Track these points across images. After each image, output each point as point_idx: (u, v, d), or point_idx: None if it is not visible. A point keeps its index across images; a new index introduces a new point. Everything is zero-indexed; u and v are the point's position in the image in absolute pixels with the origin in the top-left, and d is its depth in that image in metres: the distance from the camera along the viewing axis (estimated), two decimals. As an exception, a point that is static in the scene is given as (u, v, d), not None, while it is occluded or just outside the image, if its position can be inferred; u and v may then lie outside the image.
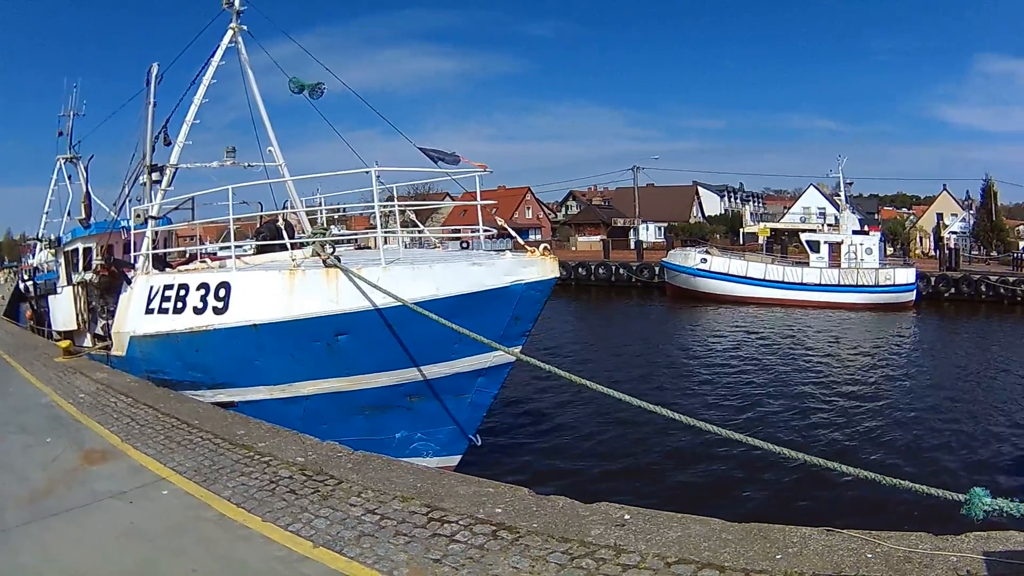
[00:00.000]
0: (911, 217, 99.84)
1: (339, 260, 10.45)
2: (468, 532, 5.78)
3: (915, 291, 43.41)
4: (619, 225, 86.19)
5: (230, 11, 14.38)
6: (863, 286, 42.09)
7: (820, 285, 42.27)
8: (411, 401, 11.05)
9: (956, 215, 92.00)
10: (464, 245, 16.50)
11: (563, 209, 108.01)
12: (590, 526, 5.84)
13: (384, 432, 11.08)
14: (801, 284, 42.32)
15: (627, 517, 6.04)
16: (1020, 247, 76.03)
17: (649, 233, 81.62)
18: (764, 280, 42.55)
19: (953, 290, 47.04)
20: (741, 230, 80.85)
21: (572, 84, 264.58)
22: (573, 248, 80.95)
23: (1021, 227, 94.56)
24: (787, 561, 5.89)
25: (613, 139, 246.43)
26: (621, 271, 55.57)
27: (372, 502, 6.35)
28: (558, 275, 10.67)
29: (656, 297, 48.31)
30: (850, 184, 51.24)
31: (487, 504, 6.18)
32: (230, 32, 14.49)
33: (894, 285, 42.55)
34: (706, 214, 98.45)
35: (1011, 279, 48.88)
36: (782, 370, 24.16)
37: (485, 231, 11.97)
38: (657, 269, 50.68)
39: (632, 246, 69.39)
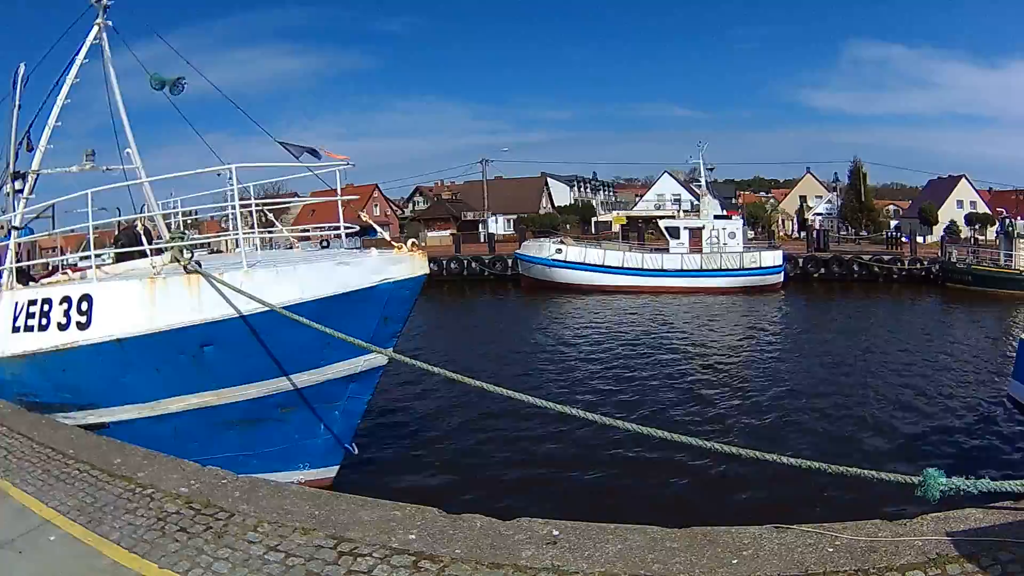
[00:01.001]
0: (771, 201, 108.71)
1: (200, 265, 10.30)
2: (386, 565, 5.54)
3: (783, 273, 46.68)
4: (469, 219, 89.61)
5: (97, 6, 14.33)
6: (728, 270, 45.19)
7: (682, 271, 45.25)
8: (283, 412, 10.94)
9: (821, 197, 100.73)
10: (323, 244, 16.75)
11: (410, 205, 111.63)
12: (518, 547, 5.64)
13: (258, 447, 10.96)
14: (661, 271, 45.19)
15: (556, 533, 5.88)
16: (891, 226, 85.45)
17: (499, 226, 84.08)
18: (622, 268, 45.06)
19: (823, 270, 51.23)
20: (593, 219, 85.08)
21: (421, 79, 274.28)
22: (423, 244, 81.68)
23: (890, 207, 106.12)
24: (746, 565, 5.62)
25: (461, 133, 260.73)
26: (473, 265, 56.91)
27: (272, 536, 6.13)
28: (427, 271, 10.80)
29: (511, 290, 50.11)
30: (711, 169, 54.53)
31: (397, 530, 6.01)
32: (95, 28, 14.39)
33: (761, 268, 45.69)
34: (556, 205, 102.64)
35: (886, 258, 53.83)
36: (666, 358, 24.94)
37: (347, 229, 11.94)
38: (510, 261, 52.74)
39: (482, 239, 71.41)
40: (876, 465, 9.57)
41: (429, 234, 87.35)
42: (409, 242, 10.86)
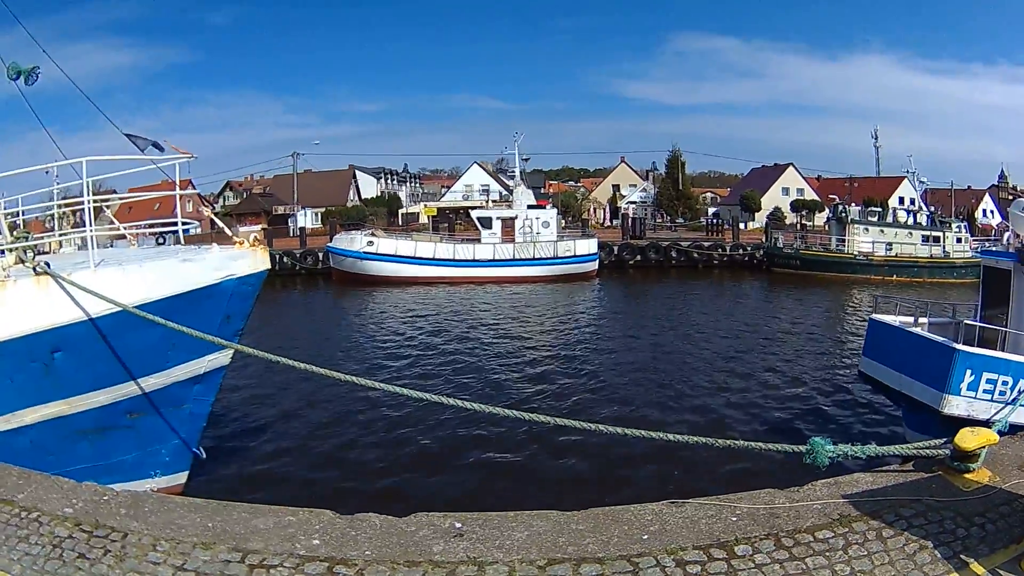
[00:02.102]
0: (581, 189, 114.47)
1: (48, 266, 10.29)
2: (302, 575, 5.61)
3: (597, 261, 50.32)
4: (279, 213, 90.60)
5: None
6: (542, 259, 48.11)
7: (495, 261, 47.98)
8: (132, 419, 11.10)
9: (635, 185, 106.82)
10: (160, 241, 17.24)
11: (220, 200, 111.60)
12: (426, 542, 5.80)
13: (110, 456, 11.03)
14: (474, 261, 47.82)
15: (459, 525, 6.11)
16: (708, 213, 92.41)
17: (308, 219, 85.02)
18: (434, 259, 47.35)
19: (639, 257, 54.99)
20: (400, 211, 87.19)
21: (237, 73, 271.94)
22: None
23: (707, 194, 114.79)
24: (657, 540, 5.99)
25: (272, 127, 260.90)
26: (285, 259, 56.25)
27: (174, 555, 6.06)
28: (269, 266, 11.23)
29: (322, 284, 50.99)
30: (526, 160, 58.02)
31: (298, 536, 6.06)
32: None
33: (575, 256, 49.00)
34: (363, 197, 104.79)
35: (706, 244, 58.45)
36: (502, 346, 26.27)
37: (185, 224, 12.10)
38: (321, 255, 53.36)
39: (292, 233, 72.40)
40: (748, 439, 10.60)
41: (240, 229, 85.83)
42: (251, 236, 11.25)
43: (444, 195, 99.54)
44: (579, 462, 14.01)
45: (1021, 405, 12.15)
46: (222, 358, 11.06)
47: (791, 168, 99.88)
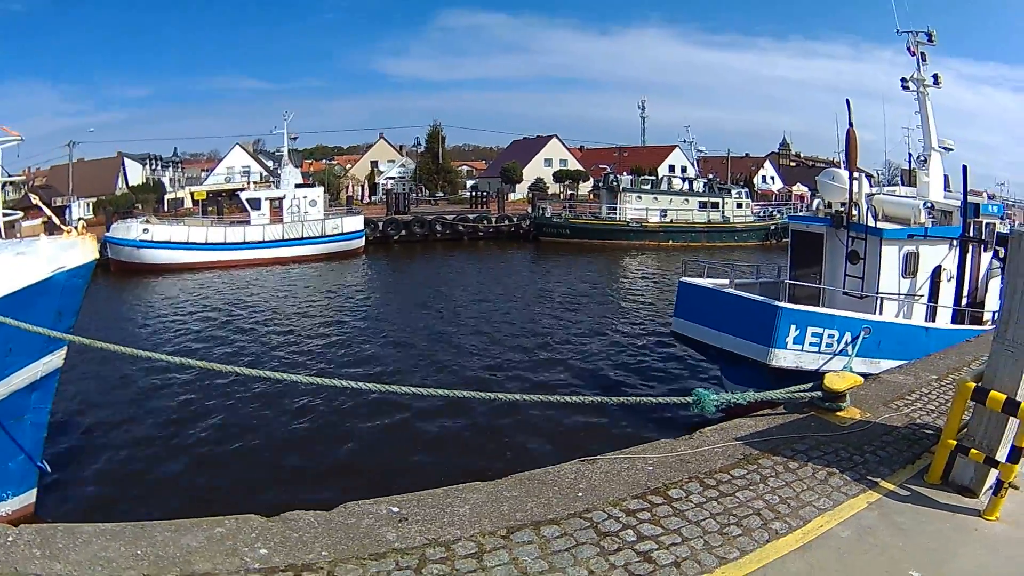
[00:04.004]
0: (336, 167, 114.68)
1: None
2: None
3: (363, 238, 52.98)
4: (58, 205, 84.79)
5: None
6: (311, 238, 49.78)
7: (265, 242, 48.89)
8: None
9: (393, 161, 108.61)
10: None
11: None
12: (378, 532, 5.90)
13: None
14: (245, 243, 48.50)
15: (395, 510, 6.23)
16: (467, 186, 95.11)
17: (82, 210, 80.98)
18: (207, 244, 47.67)
19: (404, 232, 57.46)
20: (165, 197, 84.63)
21: (20, 62, 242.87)
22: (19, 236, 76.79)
23: (463, 167, 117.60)
24: (595, 495, 6.44)
25: (51, 116, 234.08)
26: None
27: None
28: (97, 256, 11.13)
29: (100, 275, 47.69)
30: (295, 138, 58.64)
31: (241, 548, 5.85)
32: None
33: (343, 234, 51.29)
34: (131, 184, 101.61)
35: (471, 216, 61.06)
36: (304, 324, 27.62)
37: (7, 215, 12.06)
38: (99, 246, 50.18)
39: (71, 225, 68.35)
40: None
41: (25, 224, 79.89)
42: (79, 224, 10.99)
43: (207, 179, 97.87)
44: (440, 432, 15.31)
45: (847, 355, 14.09)
46: (56, 360, 10.79)
47: (555, 139, 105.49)
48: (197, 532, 6.04)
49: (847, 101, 16.30)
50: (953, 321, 16.57)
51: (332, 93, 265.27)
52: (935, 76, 18.32)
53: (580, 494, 6.59)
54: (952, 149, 18.98)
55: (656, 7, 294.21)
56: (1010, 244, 6.73)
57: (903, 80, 18.65)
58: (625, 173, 65.49)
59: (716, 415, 10.97)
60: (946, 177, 18.98)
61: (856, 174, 16.14)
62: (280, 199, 50.68)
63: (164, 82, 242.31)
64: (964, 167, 17.41)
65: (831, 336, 14.36)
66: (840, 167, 19.45)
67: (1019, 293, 6.37)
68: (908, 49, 18.43)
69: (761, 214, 66.09)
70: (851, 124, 15.95)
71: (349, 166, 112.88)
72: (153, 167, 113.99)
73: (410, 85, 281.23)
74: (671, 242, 55.85)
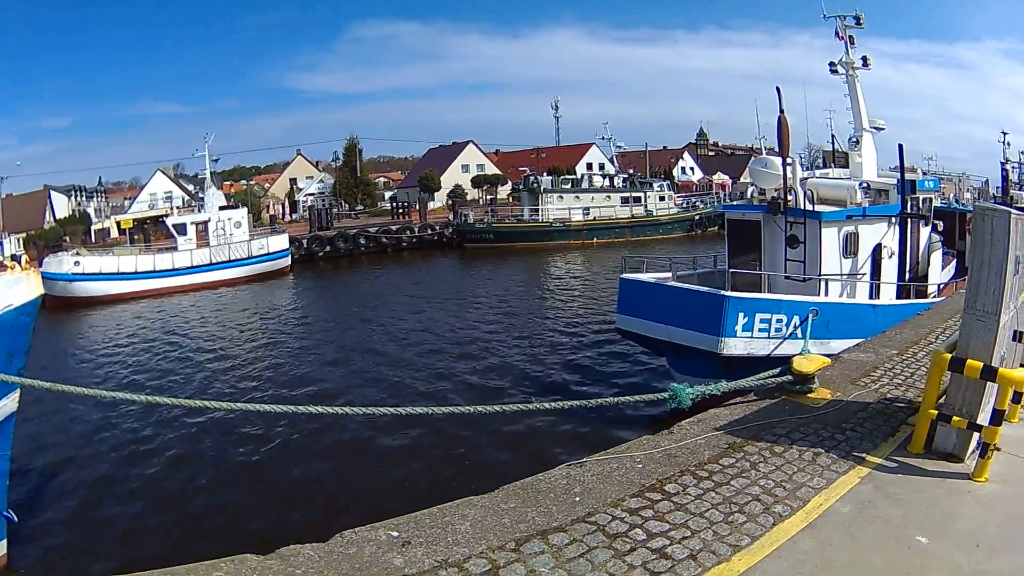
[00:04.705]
0: (255, 187, 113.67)
1: None
2: None
3: (289, 256, 52.62)
4: None
5: None
6: (239, 260, 49.19)
7: (194, 267, 48.04)
8: None
9: (312, 177, 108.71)
10: None
11: None
12: (384, 559, 5.76)
13: None
14: (174, 270, 47.66)
15: (395, 534, 6.13)
16: (385, 198, 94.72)
17: (14, 245, 79.23)
18: (137, 273, 46.81)
19: (329, 248, 57.30)
20: (92, 227, 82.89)
21: None
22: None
23: (380, 179, 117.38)
24: (593, 498, 6.53)
25: None
26: None
27: None
28: (43, 291, 10.60)
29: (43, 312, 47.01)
30: (216, 160, 58.43)
31: None
32: None
33: (269, 253, 50.78)
34: (58, 217, 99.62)
35: (395, 228, 61.00)
36: (248, 348, 27.24)
37: None
38: None
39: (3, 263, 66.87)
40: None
41: None
42: (23, 259, 10.16)
43: (131, 207, 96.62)
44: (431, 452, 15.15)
45: (797, 338, 14.46)
46: (10, 404, 10.38)
47: (471, 145, 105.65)
48: (194, 576, 5.57)
49: (777, 89, 16.81)
50: (898, 296, 17.15)
51: (247, 113, 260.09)
52: (864, 59, 18.98)
53: (578, 499, 6.66)
54: (883, 129, 19.65)
55: (567, 6, 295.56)
56: (975, 220, 7.08)
57: (831, 64, 19.27)
58: (544, 174, 65.92)
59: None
60: None
61: (789, 159, 16.54)
62: (205, 223, 49.95)
63: (85, 110, 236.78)
64: (900, 146, 18.09)
65: (779, 321, 14.73)
66: (763, 153, 19.97)
67: (986, 265, 6.68)
68: (836, 34, 18.98)
69: (684, 205, 67.33)
70: (782, 111, 16.37)
71: (267, 185, 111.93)
72: (79, 199, 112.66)
73: (324, 99, 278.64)
74: (596, 240, 56.69)
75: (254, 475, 14.55)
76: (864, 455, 7.26)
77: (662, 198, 62.17)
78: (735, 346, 14.62)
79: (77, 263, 45.56)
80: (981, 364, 6.61)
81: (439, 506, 6.65)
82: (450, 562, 5.60)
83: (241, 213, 51.87)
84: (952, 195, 39.65)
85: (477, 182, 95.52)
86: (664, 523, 6.10)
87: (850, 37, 18.85)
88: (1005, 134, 56.23)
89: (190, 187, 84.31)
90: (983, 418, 6.76)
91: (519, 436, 15.27)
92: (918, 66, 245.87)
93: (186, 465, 15.27)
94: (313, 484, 14.00)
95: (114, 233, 68.75)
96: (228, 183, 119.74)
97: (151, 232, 61.33)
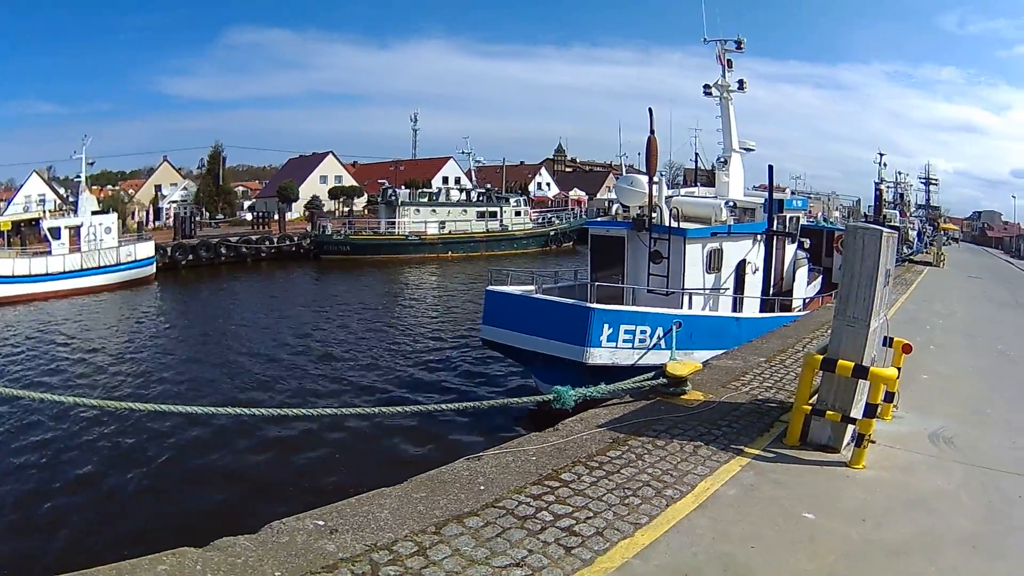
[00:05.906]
0: (121, 192, 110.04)
1: None
2: None
3: (154, 264, 51.43)
4: None
5: None
6: (107, 266, 47.91)
7: (65, 273, 46.41)
8: None
9: (176, 184, 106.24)
10: None
11: None
12: (318, 546, 5.89)
13: None
14: (47, 275, 45.91)
15: (321, 523, 6.27)
16: (243, 207, 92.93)
17: None
18: (15, 277, 44.90)
19: (191, 256, 56.16)
20: None
21: None
22: None
23: (239, 188, 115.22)
24: (497, 486, 6.83)
25: None
26: None
27: None
28: None
29: None
30: (91, 163, 55.71)
31: None
32: None
33: (136, 260, 49.37)
34: None
35: (254, 238, 60.02)
36: (143, 355, 26.76)
37: None
38: None
39: None
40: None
41: None
42: None
43: (7, 209, 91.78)
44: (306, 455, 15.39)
45: (661, 348, 15.16)
46: None
47: (330, 156, 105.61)
48: (142, 574, 5.61)
49: (649, 110, 17.61)
50: (762, 310, 18.12)
51: (117, 116, 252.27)
52: (740, 82, 19.89)
53: (482, 487, 6.98)
54: (753, 149, 20.74)
55: (438, 19, 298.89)
56: (846, 237, 7.78)
57: (706, 87, 20.12)
58: (402, 186, 66.13)
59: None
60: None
61: (656, 178, 17.28)
62: (78, 227, 48.39)
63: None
64: (770, 166, 19.17)
65: (643, 332, 15.42)
66: (623, 171, 20.73)
67: (856, 278, 7.38)
68: (717, 57, 19.82)
69: (540, 221, 68.61)
70: (652, 132, 17.16)
71: (132, 191, 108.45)
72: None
73: (192, 105, 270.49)
74: (451, 253, 57.20)
75: (168, 473, 14.71)
76: (742, 447, 7.91)
77: (518, 213, 63.43)
78: (600, 355, 15.24)
79: None
80: (852, 364, 7.31)
81: (356, 497, 6.84)
82: (379, 545, 5.82)
83: (111, 219, 50.48)
84: (820, 214, 41.65)
85: (335, 193, 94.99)
86: (567, 506, 6.48)
87: (728, 61, 19.79)
88: (882, 155, 59.03)
89: (61, 190, 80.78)
90: (857, 412, 7.52)
91: (418, 434, 16.04)
92: (793, 87, 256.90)
93: (109, 464, 15.34)
94: (226, 480, 14.24)
95: (-10, 234, 65.46)
96: (96, 187, 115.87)
97: (26, 236, 58.85)
